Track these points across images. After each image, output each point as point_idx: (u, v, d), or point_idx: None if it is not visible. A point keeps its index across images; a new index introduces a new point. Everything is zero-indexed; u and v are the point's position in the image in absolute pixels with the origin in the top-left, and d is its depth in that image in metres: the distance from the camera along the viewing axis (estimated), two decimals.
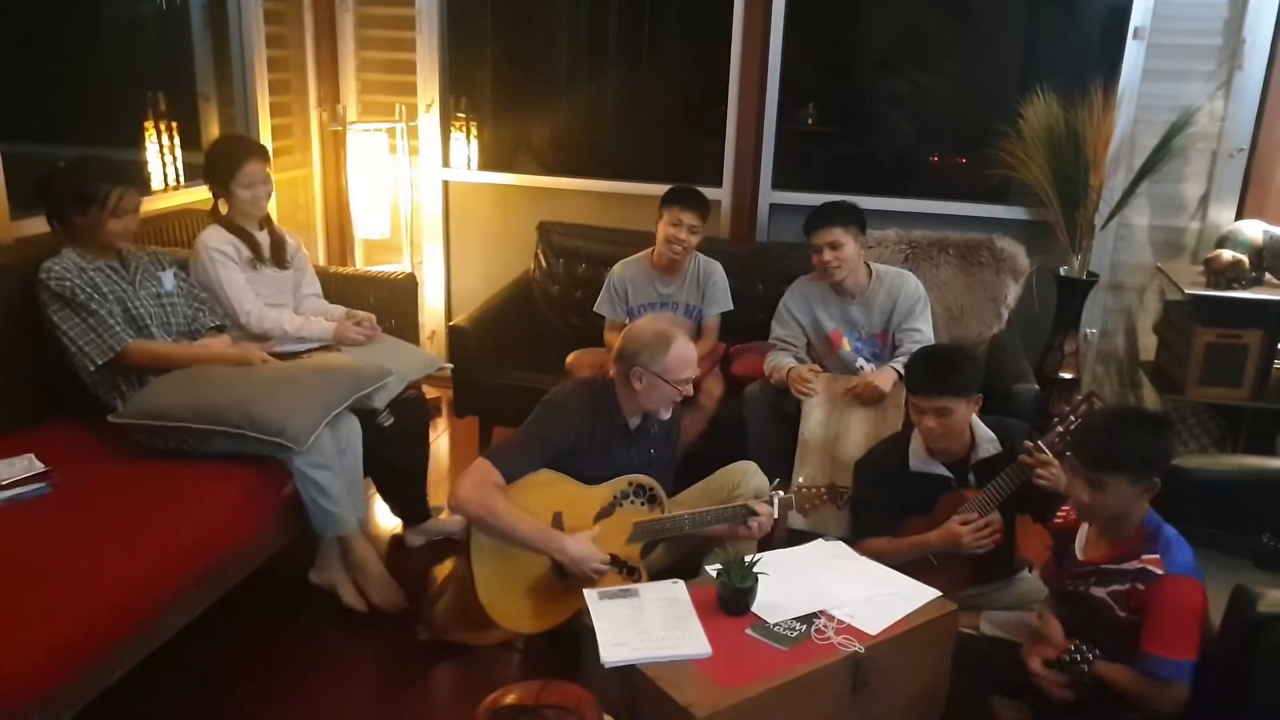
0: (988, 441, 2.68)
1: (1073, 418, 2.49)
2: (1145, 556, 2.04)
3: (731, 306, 3.72)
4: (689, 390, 2.70)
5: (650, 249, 3.67)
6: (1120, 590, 2.06)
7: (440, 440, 4.23)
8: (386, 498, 3.38)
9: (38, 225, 3.01)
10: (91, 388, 2.78)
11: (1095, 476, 2.05)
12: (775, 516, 2.67)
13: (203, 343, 2.94)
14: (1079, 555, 2.15)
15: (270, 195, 3.26)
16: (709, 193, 4.12)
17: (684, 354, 2.65)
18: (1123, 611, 2.06)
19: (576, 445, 2.65)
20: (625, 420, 2.72)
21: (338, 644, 2.86)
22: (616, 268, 3.71)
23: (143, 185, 3.64)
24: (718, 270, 3.70)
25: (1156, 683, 1.99)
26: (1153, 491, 2.08)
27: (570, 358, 3.62)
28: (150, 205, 3.50)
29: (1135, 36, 3.78)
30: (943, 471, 2.69)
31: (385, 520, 3.48)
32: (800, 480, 2.75)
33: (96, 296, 2.73)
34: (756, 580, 2.22)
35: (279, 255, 3.27)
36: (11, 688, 1.88)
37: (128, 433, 2.71)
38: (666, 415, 2.74)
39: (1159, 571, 2.01)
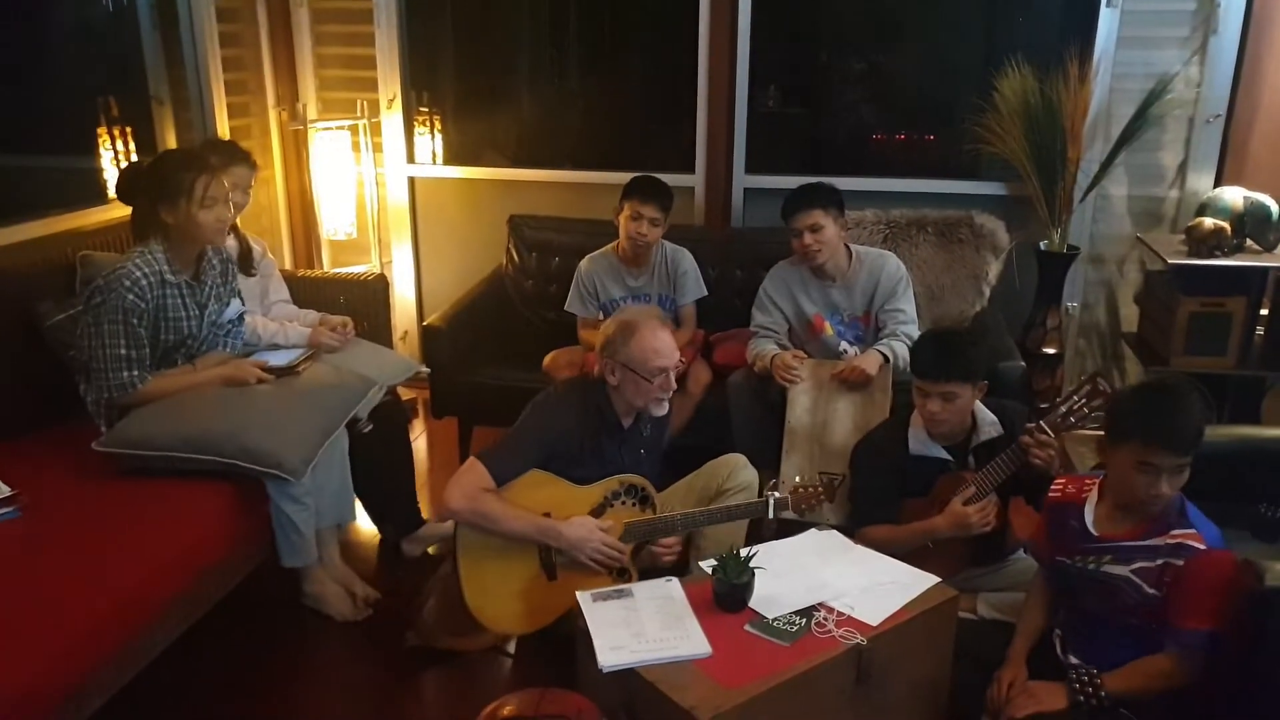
0: (989, 424, 2.64)
1: (1076, 398, 2.44)
2: (1178, 531, 2.01)
3: (705, 293, 3.66)
4: (667, 384, 2.59)
5: (615, 242, 3.60)
6: (1149, 567, 2.02)
7: (418, 442, 4.14)
8: (371, 509, 3.26)
9: None
10: (85, 401, 2.71)
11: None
12: (771, 519, 2.61)
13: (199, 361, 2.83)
14: (1092, 531, 2.10)
15: (247, 204, 3.17)
16: (681, 179, 4.08)
17: (650, 343, 2.54)
18: (1152, 588, 2.02)
19: (567, 445, 2.59)
20: (618, 419, 2.65)
21: (326, 654, 2.81)
22: (583, 263, 3.64)
23: (99, 195, 3.54)
24: (686, 258, 3.64)
25: (1187, 658, 1.97)
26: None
27: (547, 359, 3.55)
28: (105, 215, 3.40)
29: (1109, 4, 3.73)
30: (943, 454, 2.65)
31: (367, 525, 3.36)
32: (797, 479, 2.69)
33: (152, 330, 2.63)
34: (753, 575, 2.16)
35: (245, 262, 3.17)
36: None
37: (111, 459, 2.60)
38: (660, 411, 2.66)
39: (1200, 546, 1.98)
